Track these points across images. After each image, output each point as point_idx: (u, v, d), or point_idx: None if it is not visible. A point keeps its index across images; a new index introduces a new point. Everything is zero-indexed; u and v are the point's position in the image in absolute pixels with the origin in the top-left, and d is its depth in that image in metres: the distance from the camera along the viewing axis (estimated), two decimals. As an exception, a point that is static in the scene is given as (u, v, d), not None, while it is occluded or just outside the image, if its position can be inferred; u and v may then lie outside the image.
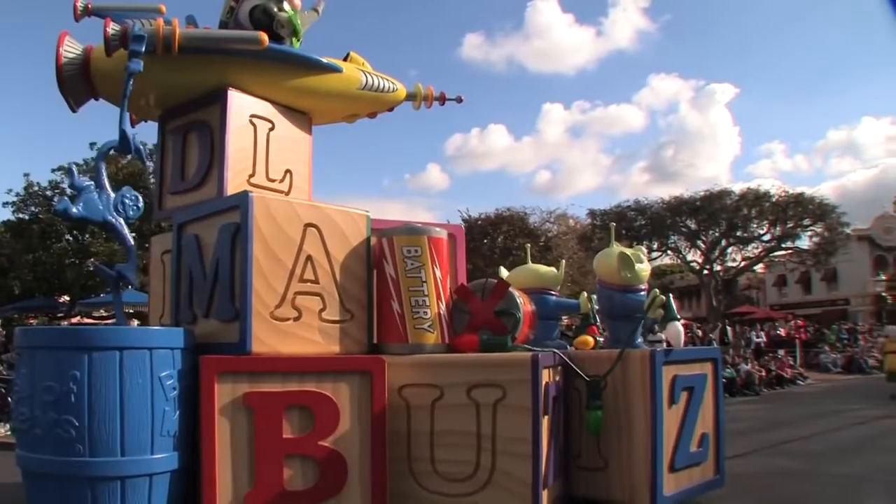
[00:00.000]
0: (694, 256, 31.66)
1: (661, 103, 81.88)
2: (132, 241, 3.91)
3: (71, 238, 23.91)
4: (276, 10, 4.58)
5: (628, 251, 5.77)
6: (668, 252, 32.22)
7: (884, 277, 33.33)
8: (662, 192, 61.96)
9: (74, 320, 21.12)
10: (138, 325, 21.81)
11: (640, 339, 5.58)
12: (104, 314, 20.77)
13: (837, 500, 5.06)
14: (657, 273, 35.12)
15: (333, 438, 3.86)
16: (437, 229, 4.79)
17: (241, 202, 3.90)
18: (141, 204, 3.98)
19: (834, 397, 13.56)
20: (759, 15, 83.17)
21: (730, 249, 31.37)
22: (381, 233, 4.65)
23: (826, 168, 79.01)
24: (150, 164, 7.68)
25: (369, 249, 4.55)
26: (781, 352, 18.97)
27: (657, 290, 5.78)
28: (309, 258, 4.11)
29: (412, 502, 4.16)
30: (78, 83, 4.41)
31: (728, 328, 22.32)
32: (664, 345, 5.29)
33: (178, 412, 3.49)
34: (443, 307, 4.67)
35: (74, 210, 3.70)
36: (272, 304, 3.89)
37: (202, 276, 4.10)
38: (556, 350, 5.08)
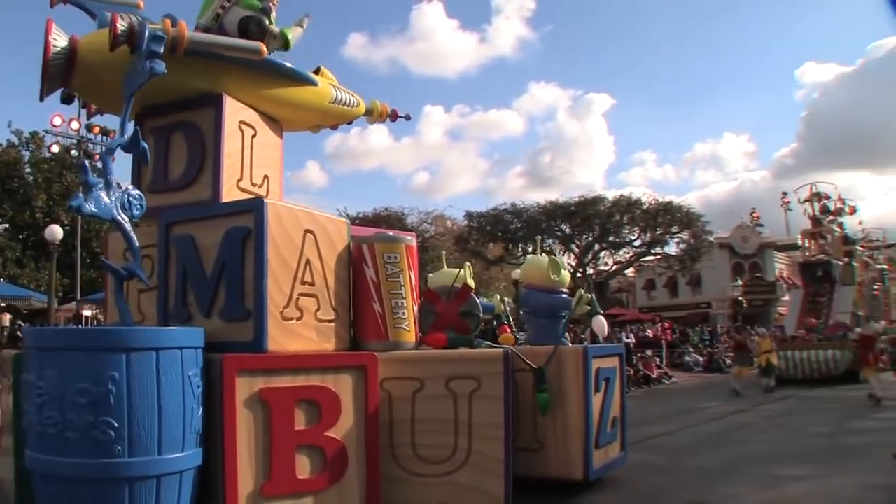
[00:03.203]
0: (568, 259, 33.12)
1: (539, 110, 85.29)
2: (137, 241, 3.92)
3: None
4: (267, 23, 4.76)
5: (556, 258, 6.63)
6: (544, 255, 33.90)
7: (740, 283, 36.67)
8: (538, 197, 64.94)
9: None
10: (10, 318, 19.66)
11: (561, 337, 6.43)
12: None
13: (693, 489, 5.46)
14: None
15: (336, 429, 4.17)
16: (410, 237, 5.25)
17: (256, 207, 4.09)
18: (144, 203, 3.99)
19: (696, 395, 14.46)
20: (637, 32, 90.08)
21: (602, 253, 33.48)
22: (359, 239, 5.01)
23: (692, 179, 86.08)
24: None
25: (350, 254, 4.89)
26: (649, 352, 19.97)
27: (582, 290, 6.67)
28: (308, 262, 4.38)
29: (395, 484, 4.55)
30: (59, 73, 4.31)
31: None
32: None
33: (201, 409, 3.63)
34: (415, 308, 5.13)
35: (87, 207, 3.62)
36: (281, 305, 4.13)
37: (202, 276, 4.22)
38: (509, 346, 5.74)
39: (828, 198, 18.49)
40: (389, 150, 78.91)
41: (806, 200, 18.58)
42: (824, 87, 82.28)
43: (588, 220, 31.35)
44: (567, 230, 32.52)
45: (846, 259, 17.79)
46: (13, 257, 24.55)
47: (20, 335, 16.77)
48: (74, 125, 21.19)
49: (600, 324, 6.53)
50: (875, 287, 18.90)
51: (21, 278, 23.84)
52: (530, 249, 33.29)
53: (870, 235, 21.41)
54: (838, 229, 18.56)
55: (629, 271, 38.86)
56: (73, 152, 22.73)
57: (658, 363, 19.17)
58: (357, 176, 77.68)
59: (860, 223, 21.17)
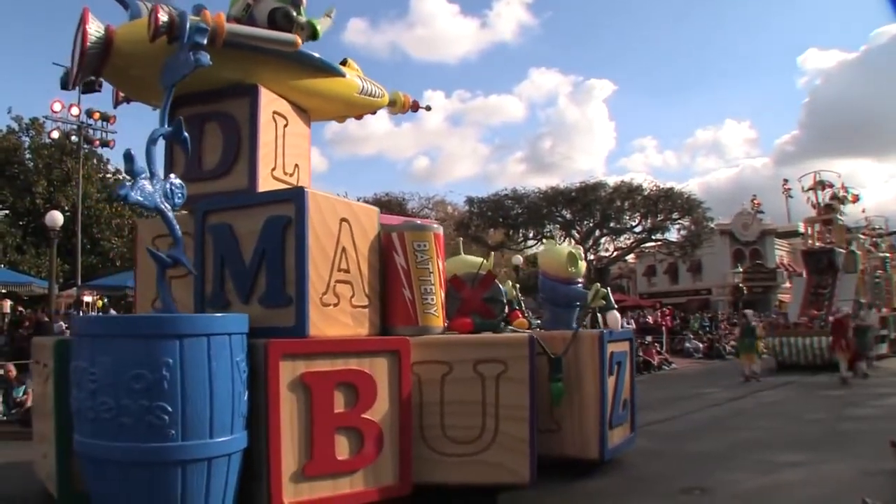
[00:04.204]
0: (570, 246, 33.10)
1: (540, 96, 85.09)
2: (179, 230, 4.01)
3: None
4: (295, 14, 4.82)
5: (573, 250, 6.77)
6: (544, 241, 33.89)
7: (741, 269, 36.82)
8: (539, 183, 65.02)
9: None
10: (11, 305, 19.69)
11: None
12: None
13: (694, 475, 5.53)
14: (534, 261, 37.03)
15: (372, 411, 4.32)
16: (437, 226, 5.37)
17: (297, 197, 4.19)
18: (185, 192, 4.07)
19: (696, 381, 14.41)
20: (638, 18, 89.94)
21: (603, 239, 33.17)
22: (388, 227, 5.12)
23: (693, 165, 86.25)
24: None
25: (380, 242, 5.01)
26: (649, 338, 19.54)
27: (598, 285, 6.83)
28: (343, 249, 4.49)
29: (425, 464, 4.68)
30: (94, 62, 4.35)
31: (599, 315, 24.05)
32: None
33: (246, 393, 3.73)
34: (442, 294, 5.25)
35: (132, 196, 3.69)
36: (321, 291, 4.25)
37: (240, 263, 4.32)
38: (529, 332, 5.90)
39: (831, 186, 18.64)
40: (389, 135, 78.83)
41: (810, 189, 18.67)
42: (826, 74, 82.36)
43: (589, 206, 31.16)
44: (568, 216, 32.38)
45: (849, 247, 17.99)
46: (13, 243, 24.61)
47: (25, 322, 16.87)
48: (74, 111, 21.15)
49: (614, 318, 6.69)
50: (877, 275, 19.12)
51: (21, 264, 23.90)
52: (531, 235, 33.57)
53: (872, 223, 21.60)
54: (841, 218, 18.69)
55: (630, 257, 38.78)
56: (73, 138, 22.69)
57: (658, 349, 19.12)
58: (356, 161, 77.65)
59: (863, 211, 21.45)
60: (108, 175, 29.19)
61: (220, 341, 3.52)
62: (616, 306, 6.98)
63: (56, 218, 17.30)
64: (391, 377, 4.47)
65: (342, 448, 4.17)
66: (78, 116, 21.28)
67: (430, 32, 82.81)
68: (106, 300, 22.09)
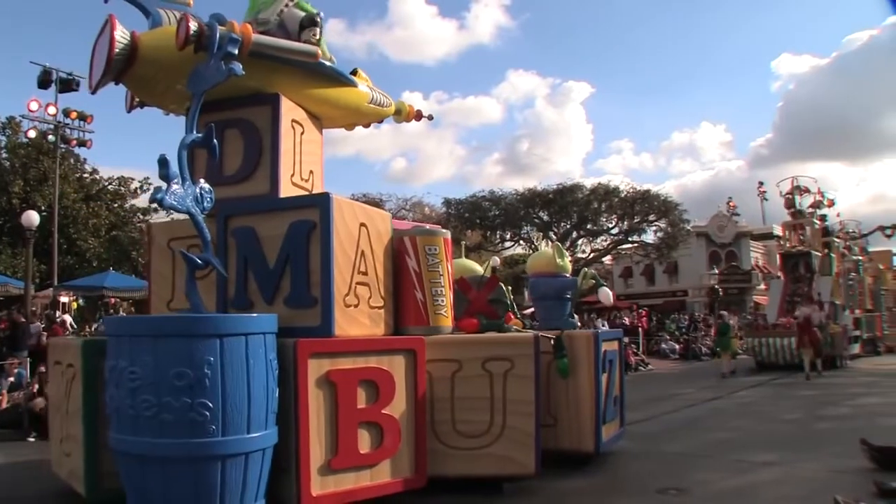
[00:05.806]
0: (546, 247, 33.69)
1: (518, 98, 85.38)
2: (209, 233, 4.16)
3: None
4: (319, 20, 5.01)
5: (559, 244, 7.13)
6: (521, 242, 33.99)
7: (716, 271, 37.25)
8: (516, 184, 65.42)
9: None
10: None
11: (568, 317, 6.90)
12: None
13: (670, 475, 5.59)
14: (511, 262, 37.35)
15: (391, 407, 4.53)
16: (446, 231, 5.61)
17: (322, 203, 4.38)
18: (213, 196, 4.23)
19: (672, 382, 14.63)
20: (616, 21, 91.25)
21: (580, 241, 33.20)
22: (400, 232, 5.35)
23: (669, 167, 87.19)
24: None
25: (393, 245, 5.23)
26: (626, 339, 20.37)
27: (585, 269, 7.18)
28: (362, 253, 4.70)
29: (436, 456, 4.90)
30: (118, 68, 4.44)
31: (576, 316, 24.30)
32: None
33: (278, 390, 3.90)
34: (451, 296, 5.50)
35: (167, 200, 3.82)
36: (344, 293, 4.45)
37: (264, 266, 4.49)
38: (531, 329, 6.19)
39: (807, 191, 19.24)
40: (367, 136, 78.94)
41: (788, 194, 19.28)
42: (799, 79, 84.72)
43: (566, 208, 31.30)
44: (545, 218, 32.41)
45: (825, 250, 18.65)
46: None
47: (2, 323, 16.55)
48: (51, 110, 20.82)
49: (605, 294, 7.08)
50: (851, 277, 19.82)
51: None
52: (508, 237, 33.81)
53: (846, 227, 22.31)
54: (819, 222, 19.31)
55: (606, 259, 38.89)
56: (50, 137, 22.32)
57: (635, 350, 19.42)
58: (334, 161, 76.87)
59: (838, 215, 22.14)
60: (85, 175, 28.75)
61: (256, 340, 3.69)
62: (605, 283, 7.36)
63: (32, 218, 17.01)
64: (408, 375, 4.68)
65: (364, 442, 4.37)
66: (55, 115, 20.95)
67: (408, 34, 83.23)
68: (82, 301, 21.77)
